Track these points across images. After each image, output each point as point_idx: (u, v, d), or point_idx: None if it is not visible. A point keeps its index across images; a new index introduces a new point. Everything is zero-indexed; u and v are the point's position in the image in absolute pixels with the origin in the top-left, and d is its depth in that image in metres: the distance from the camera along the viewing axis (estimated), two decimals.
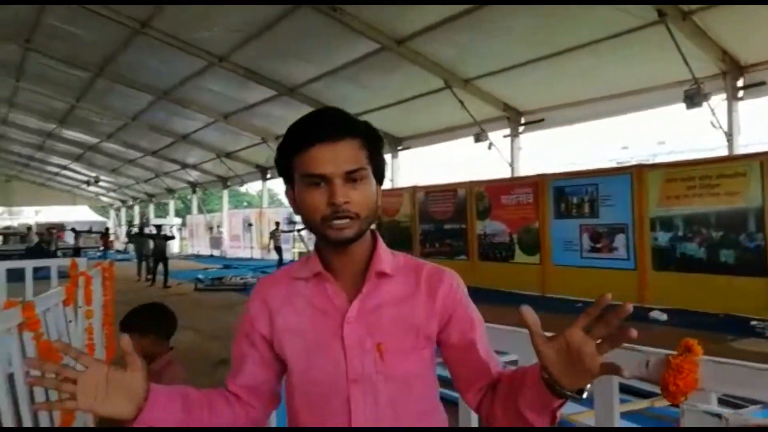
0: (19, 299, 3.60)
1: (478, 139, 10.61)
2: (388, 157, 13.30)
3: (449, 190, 11.23)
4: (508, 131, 10.67)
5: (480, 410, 1.09)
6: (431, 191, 11.72)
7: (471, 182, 10.72)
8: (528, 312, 0.84)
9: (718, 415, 0.93)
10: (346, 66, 9.87)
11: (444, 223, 11.24)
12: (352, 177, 0.98)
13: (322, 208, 0.98)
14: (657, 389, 1.36)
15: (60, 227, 26.18)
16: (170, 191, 26.84)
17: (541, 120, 10.24)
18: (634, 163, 12.49)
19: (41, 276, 5.27)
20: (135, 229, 19.91)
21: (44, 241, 19.61)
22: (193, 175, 22.79)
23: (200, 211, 25.84)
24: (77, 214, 35.04)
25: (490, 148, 10.65)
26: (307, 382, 1.07)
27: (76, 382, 0.92)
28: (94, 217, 37.38)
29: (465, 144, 11.33)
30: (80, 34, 10.47)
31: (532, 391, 0.90)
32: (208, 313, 8.90)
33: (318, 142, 0.97)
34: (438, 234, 11.41)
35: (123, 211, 36.16)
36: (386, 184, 10.87)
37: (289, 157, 1.02)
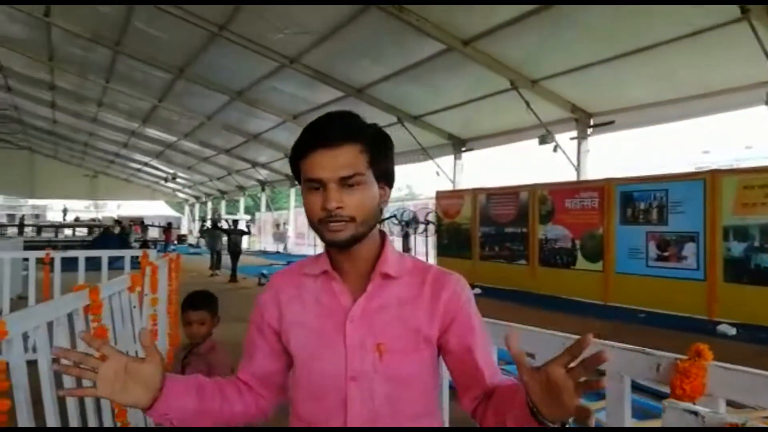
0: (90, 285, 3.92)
1: (543, 141, 10.40)
2: (450, 158, 13.36)
3: (511, 192, 11.09)
4: (575, 133, 10.41)
5: (475, 417, 1.13)
6: (493, 194, 11.61)
7: (534, 185, 10.54)
8: (513, 340, 0.87)
9: (696, 413, 0.95)
10: (412, 67, 9.96)
11: (505, 227, 11.11)
12: (347, 182, 1.03)
13: (318, 211, 1.04)
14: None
15: (139, 221, 27.91)
16: (241, 189, 27.91)
17: (611, 122, 9.91)
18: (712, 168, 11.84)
19: (117, 266, 5.64)
20: (208, 225, 20.33)
21: (124, 233, 20.92)
22: (263, 174, 23.60)
23: (268, 208, 26.71)
24: (155, 209, 37.12)
25: (555, 150, 10.43)
26: (308, 375, 1.12)
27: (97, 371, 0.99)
28: (170, 212, 39.46)
29: (529, 146, 11.14)
30: (163, 37, 11.14)
31: (519, 411, 0.93)
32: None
33: (319, 147, 1.04)
34: (498, 237, 11.29)
35: (197, 207, 37.91)
36: (447, 185, 10.87)
37: (297, 161, 1.09)
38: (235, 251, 13.61)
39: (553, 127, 10.30)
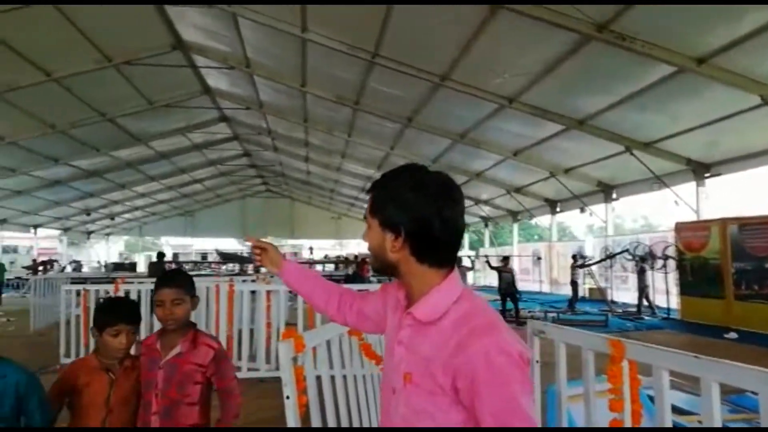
0: None
1: None
2: (690, 185, 12.08)
3: None
4: None
5: None
6: (747, 224, 10.17)
7: None
8: None
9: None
10: (639, 93, 9.45)
11: (765, 261, 9.59)
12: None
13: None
14: None
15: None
16: (465, 225, 28.74)
17: None
18: None
19: None
20: (495, 261, 19.28)
21: (358, 269, 23.19)
22: (486, 210, 24.07)
23: (492, 244, 27.04)
24: None
25: None
26: (383, 371, 1.41)
27: (262, 253, 1.72)
28: None
29: None
30: (394, 92, 12.44)
31: None
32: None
33: None
34: (757, 274, 9.79)
35: None
36: (688, 215, 9.86)
37: None
38: (508, 291, 12.63)
39: None
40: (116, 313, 2.30)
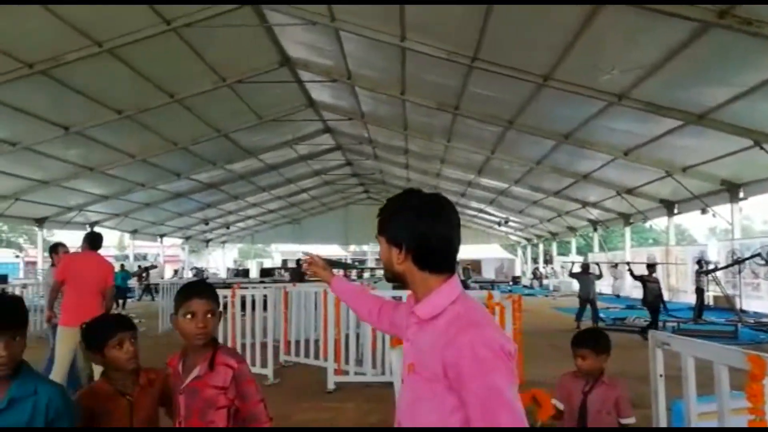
0: None
1: None
2: None
3: None
4: None
5: None
6: None
7: None
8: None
9: None
10: None
11: None
12: None
13: None
14: None
15: (476, 263, 30.23)
16: (572, 229, 27.61)
17: None
18: None
19: None
20: (577, 267, 16.67)
21: (465, 276, 23.02)
22: (594, 213, 22.93)
23: (601, 249, 25.67)
24: (490, 252, 39.55)
25: None
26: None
27: (316, 268, 2.17)
28: (504, 254, 41.44)
29: None
30: (494, 95, 12.24)
31: None
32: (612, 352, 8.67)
33: None
34: None
35: (528, 248, 38.90)
36: None
37: None
38: (655, 304, 11.61)
39: None
40: (108, 324, 2.19)
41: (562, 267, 33.68)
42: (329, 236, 37.29)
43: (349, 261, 37.68)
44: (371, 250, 43.47)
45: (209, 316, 2.08)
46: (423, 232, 1.44)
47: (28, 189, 18.24)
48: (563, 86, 10.40)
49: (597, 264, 15.17)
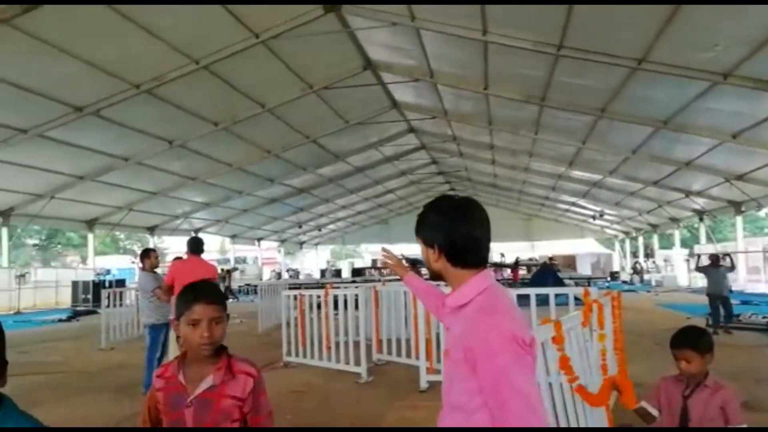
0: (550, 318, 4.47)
1: None
2: None
3: None
4: None
5: None
6: None
7: None
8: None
9: None
10: None
11: None
12: None
13: None
14: None
15: (569, 259, 29.07)
16: (674, 220, 25.88)
17: None
18: None
19: (559, 302, 6.25)
20: (704, 259, 14.42)
21: (557, 271, 22.22)
22: (699, 203, 21.37)
23: (709, 240, 23.85)
24: (584, 247, 37.95)
25: None
26: None
27: (395, 263, 2.33)
28: (600, 249, 39.59)
29: None
30: (583, 83, 11.74)
31: None
32: (729, 353, 7.96)
33: None
34: None
35: (627, 242, 36.91)
36: None
37: None
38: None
39: None
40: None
41: (665, 261, 31.70)
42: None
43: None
44: None
45: (215, 323, 1.85)
46: (452, 232, 1.59)
47: (140, 200, 19.86)
48: (659, 68, 9.79)
49: (729, 255, 12.90)
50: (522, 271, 27.44)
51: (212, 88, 12.18)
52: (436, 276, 1.68)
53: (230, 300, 24.44)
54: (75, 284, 22.04)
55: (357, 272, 30.77)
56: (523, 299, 6.21)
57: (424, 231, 1.67)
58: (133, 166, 15.93)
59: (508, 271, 27.66)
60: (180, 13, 9.28)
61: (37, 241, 44.71)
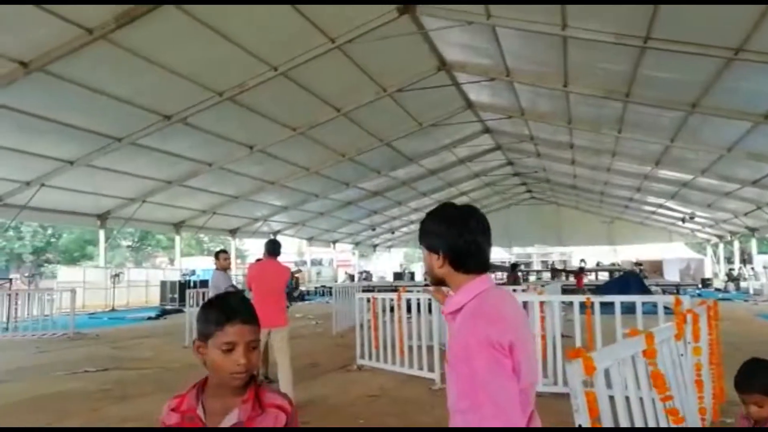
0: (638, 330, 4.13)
1: None
2: None
3: None
4: None
5: None
6: None
7: None
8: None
9: None
10: None
11: None
12: None
13: None
14: None
15: (656, 264, 27.42)
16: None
17: None
18: None
19: (645, 310, 5.84)
20: None
21: (642, 277, 20.99)
22: None
23: None
24: (672, 252, 35.72)
25: None
26: None
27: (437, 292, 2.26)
28: (690, 254, 37.13)
29: None
30: (671, 77, 11.02)
31: None
32: None
33: None
34: None
35: (721, 247, 34.41)
36: None
37: None
38: None
39: None
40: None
41: (765, 267, 29.28)
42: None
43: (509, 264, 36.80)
44: (536, 252, 41.88)
45: (252, 348, 1.54)
46: (452, 240, 1.64)
47: (222, 203, 20.73)
48: (760, 58, 9.00)
49: None
50: (590, 277, 26.05)
51: (290, 93, 12.50)
52: (438, 282, 1.72)
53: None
54: (163, 284, 23.39)
55: None
56: (608, 307, 5.87)
57: (428, 238, 1.71)
58: (216, 170, 16.66)
59: (571, 277, 26.42)
60: (257, 20, 9.58)
61: (130, 243, 47.83)
